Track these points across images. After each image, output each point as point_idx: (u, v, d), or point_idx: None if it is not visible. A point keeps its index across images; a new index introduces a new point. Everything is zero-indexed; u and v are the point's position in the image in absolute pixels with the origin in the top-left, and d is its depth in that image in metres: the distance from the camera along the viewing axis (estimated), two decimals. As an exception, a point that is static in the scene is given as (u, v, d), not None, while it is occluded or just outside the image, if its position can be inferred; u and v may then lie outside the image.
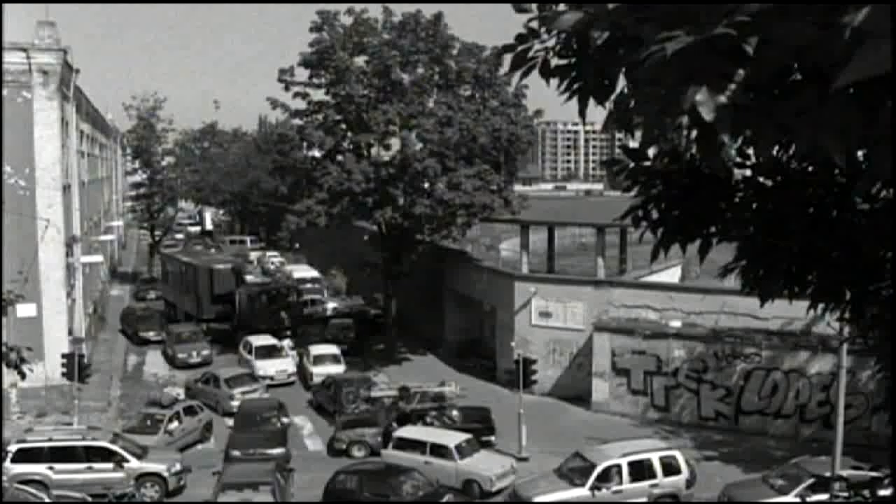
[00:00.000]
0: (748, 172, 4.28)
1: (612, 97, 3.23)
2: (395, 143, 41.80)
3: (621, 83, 3.16)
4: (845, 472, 21.53)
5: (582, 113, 3.30)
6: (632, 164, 4.29)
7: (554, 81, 3.33)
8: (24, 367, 12.18)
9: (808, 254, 4.27)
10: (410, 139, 40.42)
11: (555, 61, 3.23)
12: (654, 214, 4.30)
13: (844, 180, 3.94)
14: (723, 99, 2.41)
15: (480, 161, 40.73)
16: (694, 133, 2.62)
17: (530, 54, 3.24)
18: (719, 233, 4.32)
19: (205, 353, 46.23)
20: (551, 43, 3.19)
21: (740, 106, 2.43)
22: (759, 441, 34.01)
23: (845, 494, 22.68)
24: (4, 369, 12.64)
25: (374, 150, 42.77)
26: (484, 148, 40.72)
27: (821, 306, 4.80)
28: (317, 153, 43.35)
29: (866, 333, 5.18)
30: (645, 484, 26.43)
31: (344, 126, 42.46)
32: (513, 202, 41.94)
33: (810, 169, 4.13)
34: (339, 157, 41.84)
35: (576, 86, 3.20)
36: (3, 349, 11.73)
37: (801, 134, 2.47)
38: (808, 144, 2.45)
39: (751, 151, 3.72)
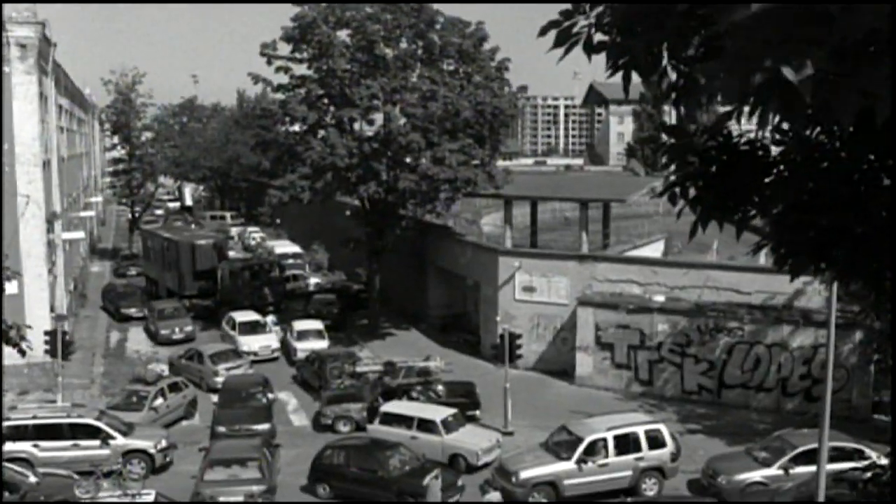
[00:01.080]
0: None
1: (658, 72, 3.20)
2: (379, 117, 41.61)
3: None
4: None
5: (626, 89, 3.26)
6: (671, 141, 4.26)
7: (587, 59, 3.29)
8: (24, 345, 12.09)
9: (836, 230, 4.25)
10: (394, 114, 40.24)
11: (598, 37, 3.18)
12: (691, 192, 4.28)
13: (874, 158, 3.93)
14: (808, 63, 2.37)
15: (464, 135, 40.60)
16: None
17: (575, 30, 3.19)
18: (755, 209, 4.30)
19: (187, 329, 46.07)
20: (594, 19, 3.15)
21: (824, 71, 2.39)
22: (742, 414, 34.30)
23: (836, 467, 23.00)
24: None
25: (357, 125, 42.57)
26: (468, 122, 40.59)
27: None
28: (299, 128, 43.06)
29: (881, 310, 5.20)
30: (630, 457, 26.57)
31: (327, 101, 42.19)
32: (496, 177, 41.87)
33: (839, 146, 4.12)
34: (322, 132, 41.58)
35: (621, 61, 3.16)
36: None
37: (885, 101, 2.43)
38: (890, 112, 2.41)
39: (786, 127, 3.70)
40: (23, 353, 12.32)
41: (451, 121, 40.10)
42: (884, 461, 25.86)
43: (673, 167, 4.32)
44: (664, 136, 4.35)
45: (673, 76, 3.06)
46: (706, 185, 4.22)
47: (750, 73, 2.43)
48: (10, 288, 33.73)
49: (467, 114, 40.03)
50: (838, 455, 24.64)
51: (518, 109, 47.17)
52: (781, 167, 4.10)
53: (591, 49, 3.19)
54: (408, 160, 40.95)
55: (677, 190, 4.28)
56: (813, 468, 25.55)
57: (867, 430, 29.48)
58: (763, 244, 4.86)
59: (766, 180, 4.12)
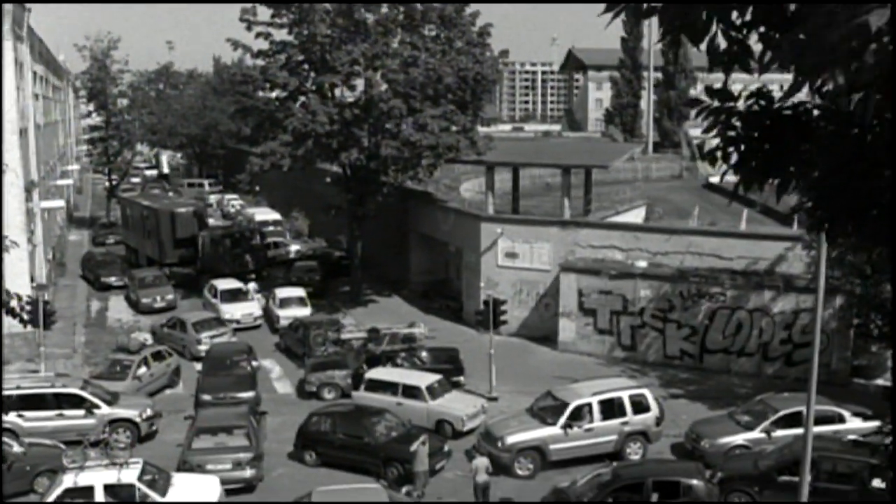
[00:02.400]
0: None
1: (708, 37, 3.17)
2: (360, 83, 41.30)
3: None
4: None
5: (676, 53, 3.23)
6: (716, 104, 4.24)
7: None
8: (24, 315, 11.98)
9: (872, 195, 4.26)
10: (375, 80, 39.96)
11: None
12: (734, 156, 4.27)
13: None
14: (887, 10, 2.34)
15: (446, 101, 40.40)
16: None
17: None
18: (796, 173, 4.30)
19: (169, 297, 45.89)
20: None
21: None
22: (724, 379, 34.63)
23: (817, 430, 23.26)
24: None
25: (338, 91, 42.25)
26: (449, 88, 40.37)
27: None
28: (279, 94, 42.69)
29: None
30: (616, 422, 26.76)
31: (307, 67, 41.81)
32: (478, 143, 41.74)
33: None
34: (303, 99, 41.26)
35: (676, 23, 3.13)
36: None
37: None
38: None
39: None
40: (24, 323, 12.24)
41: (433, 87, 39.87)
42: (866, 424, 26.25)
43: (713, 132, 4.31)
44: (706, 99, 4.33)
45: (723, 43, 3.03)
46: (749, 149, 4.21)
47: (845, 40, 2.41)
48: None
49: (449, 80, 39.81)
50: (819, 418, 24.84)
51: (500, 74, 46.93)
52: (823, 132, 4.09)
53: (642, 14, 3.16)
54: (389, 126, 40.71)
55: (718, 154, 4.27)
56: (794, 431, 25.97)
57: (847, 395, 29.85)
58: (799, 208, 4.85)
59: (808, 145, 4.11)
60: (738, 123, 4.19)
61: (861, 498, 21.76)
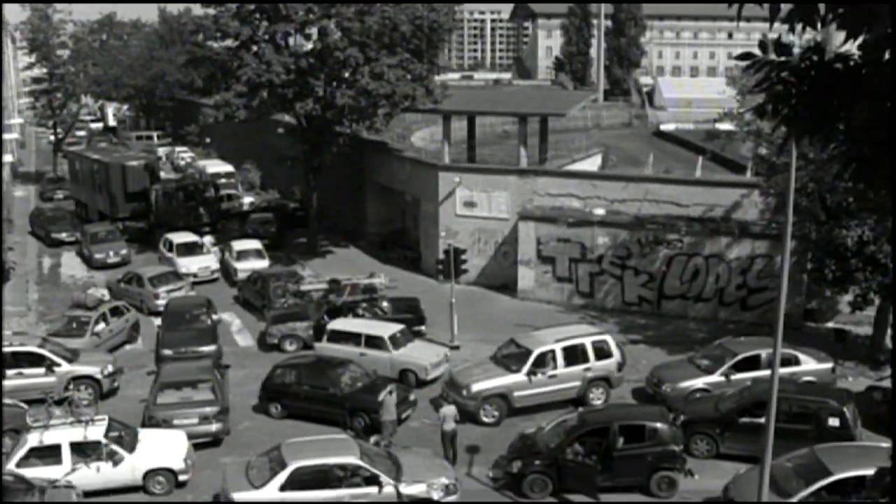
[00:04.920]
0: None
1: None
2: (315, 32, 40.68)
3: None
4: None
5: (739, 12, 3.21)
6: (771, 58, 4.23)
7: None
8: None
9: None
10: (330, 28, 39.37)
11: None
12: (784, 109, 4.28)
13: None
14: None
15: (402, 50, 40.00)
16: None
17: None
18: (844, 125, 4.32)
19: (122, 252, 45.31)
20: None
21: None
22: (681, 324, 35.16)
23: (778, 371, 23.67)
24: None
25: (292, 41, 41.58)
26: (405, 36, 39.95)
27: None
28: (231, 43, 41.88)
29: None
30: (579, 368, 27.08)
31: (260, 15, 40.99)
32: (435, 91, 41.47)
33: None
34: (256, 48, 40.56)
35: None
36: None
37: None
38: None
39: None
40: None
41: (389, 35, 39.42)
42: (820, 366, 26.87)
43: (765, 84, 4.31)
44: (760, 53, 4.33)
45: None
46: (799, 103, 4.23)
47: None
48: None
49: (405, 28, 39.38)
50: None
51: (457, 23, 46.52)
52: (871, 88, 4.11)
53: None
54: (346, 76, 40.23)
55: (769, 107, 4.28)
56: (752, 374, 26.57)
57: (800, 337, 30.46)
58: (848, 159, 4.88)
59: (854, 100, 4.13)
60: (791, 78, 4.20)
61: (819, 436, 22.32)
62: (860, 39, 3.68)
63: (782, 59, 4.27)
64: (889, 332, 30.25)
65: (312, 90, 40.50)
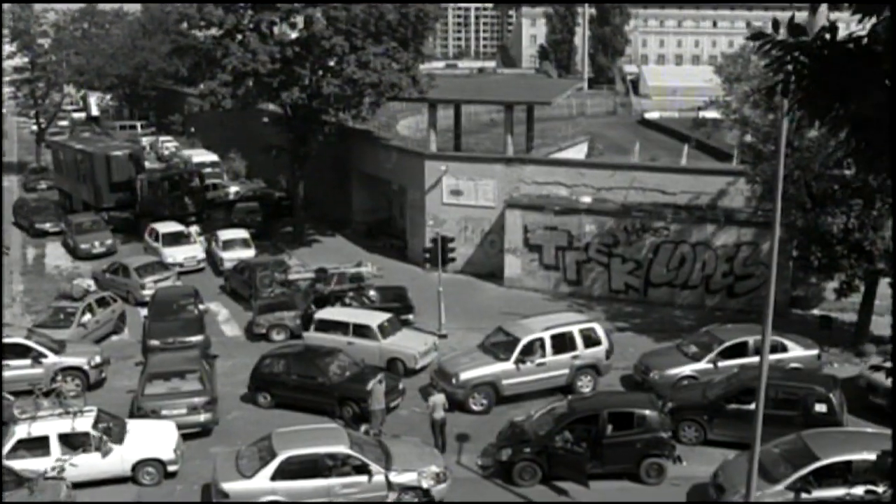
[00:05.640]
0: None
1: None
2: (300, 21, 40.49)
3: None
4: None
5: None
6: (785, 38, 4.23)
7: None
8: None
9: None
10: (316, 16, 39.18)
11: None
12: (797, 89, 4.28)
13: None
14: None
15: (388, 39, 39.87)
16: None
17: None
18: (857, 110, 4.33)
19: (108, 242, 45.06)
20: None
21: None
22: (667, 311, 35.28)
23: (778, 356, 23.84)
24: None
25: (277, 29, 41.38)
26: (391, 25, 39.82)
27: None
28: (215, 32, 41.61)
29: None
30: (567, 356, 27.16)
31: (244, 4, 40.72)
32: (420, 80, 41.39)
33: None
34: (241, 37, 40.32)
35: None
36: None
37: None
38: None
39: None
40: None
41: (375, 24, 39.27)
42: (806, 352, 27.03)
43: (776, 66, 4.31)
44: (772, 34, 4.33)
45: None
46: (814, 83, 4.23)
47: None
48: None
49: (391, 16, 39.24)
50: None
51: (443, 11, 46.39)
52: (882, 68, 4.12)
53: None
54: (331, 64, 40.09)
55: (779, 88, 4.29)
56: (739, 361, 26.73)
57: (786, 324, 30.59)
58: (857, 141, 4.88)
59: (867, 80, 4.13)
60: (803, 58, 4.21)
61: (806, 422, 22.49)
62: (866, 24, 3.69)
63: (795, 39, 4.28)
64: (873, 318, 30.47)
65: (298, 79, 40.35)
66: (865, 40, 4.11)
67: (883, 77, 4.10)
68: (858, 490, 17.37)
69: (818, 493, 19.44)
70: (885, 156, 4.53)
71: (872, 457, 19.32)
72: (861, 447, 20.08)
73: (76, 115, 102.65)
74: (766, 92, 4.68)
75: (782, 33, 4.35)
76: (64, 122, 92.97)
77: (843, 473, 19.61)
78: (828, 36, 4.13)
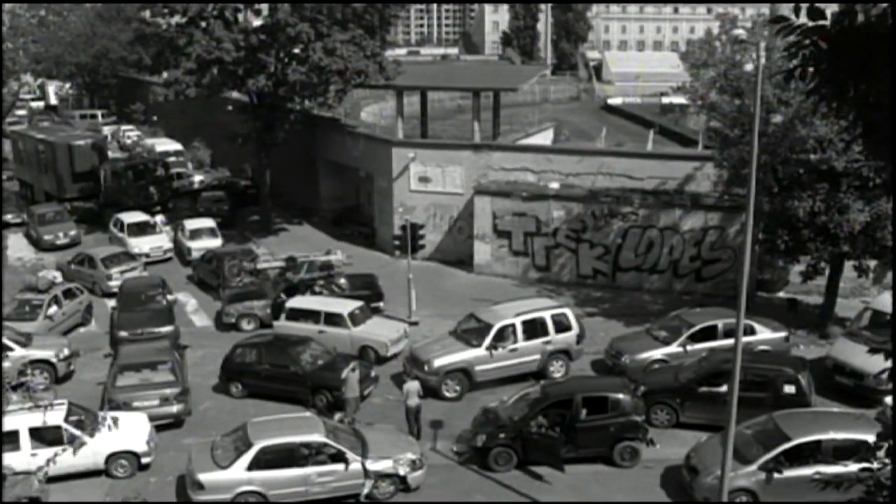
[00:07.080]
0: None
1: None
2: (265, 8, 40.14)
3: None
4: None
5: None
6: (805, 22, 4.27)
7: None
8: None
9: None
10: (280, 3, 38.86)
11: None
12: (815, 72, 4.32)
13: None
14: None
15: (354, 26, 39.67)
16: None
17: None
18: (869, 89, 4.37)
19: (72, 233, 44.51)
20: None
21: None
22: (636, 296, 35.55)
23: (730, 342, 24.06)
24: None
25: (241, 16, 40.99)
26: (356, 12, 39.62)
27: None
28: (178, 20, 41.13)
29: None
30: (539, 341, 27.30)
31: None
32: (387, 67, 41.25)
33: None
34: (205, 25, 39.89)
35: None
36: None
37: None
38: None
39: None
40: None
41: (341, 11, 39.05)
42: (774, 335, 27.35)
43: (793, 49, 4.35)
44: (792, 17, 4.37)
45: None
46: (832, 65, 4.27)
47: None
48: None
49: (357, 3, 39.03)
50: (733, 331, 25.88)
51: (408, -2, 46.23)
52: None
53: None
54: (297, 52, 39.81)
55: (796, 74, 4.33)
56: (708, 344, 27.04)
57: (752, 307, 30.90)
58: (869, 126, 4.93)
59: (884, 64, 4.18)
60: (822, 42, 4.25)
61: (776, 403, 22.80)
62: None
63: (814, 23, 4.33)
64: (838, 300, 30.93)
65: (264, 66, 40.02)
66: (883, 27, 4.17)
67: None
68: (829, 469, 17.64)
69: (790, 473, 19.75)
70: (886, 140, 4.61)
71: (841, 436, 19.85)
72: (829, 427, 20.46)
73: (34, 104, 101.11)
74: (785, 77, 4.73)
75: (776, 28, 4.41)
76: (22, 112, 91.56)
77: (813, 453, 19.93)
78: (847, 21, 4.18)
